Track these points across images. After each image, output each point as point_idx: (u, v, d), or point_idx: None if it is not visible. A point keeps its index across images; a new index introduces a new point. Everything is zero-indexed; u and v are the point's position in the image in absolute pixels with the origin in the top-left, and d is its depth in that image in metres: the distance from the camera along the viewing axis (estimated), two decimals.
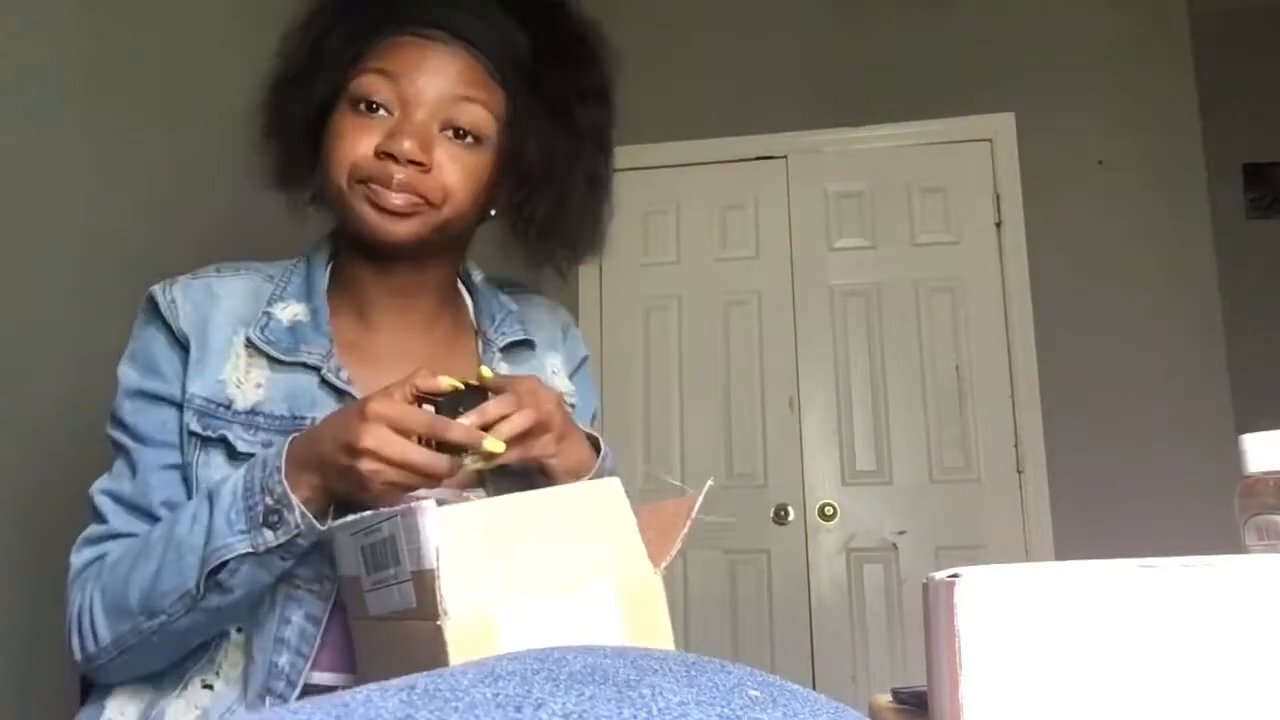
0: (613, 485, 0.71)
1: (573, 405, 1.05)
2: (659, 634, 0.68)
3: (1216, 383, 2.99)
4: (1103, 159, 3.15)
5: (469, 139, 0.90)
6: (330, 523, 0.81)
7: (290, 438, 0.83)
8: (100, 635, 0.84)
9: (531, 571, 0.65)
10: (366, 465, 0.76)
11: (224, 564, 0.79)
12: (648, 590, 0.69)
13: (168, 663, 0.87)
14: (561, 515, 0.68)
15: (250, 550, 0.79)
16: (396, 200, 0.88)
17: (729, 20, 3.39)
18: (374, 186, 0.88)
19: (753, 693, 0.39)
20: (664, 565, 0.70)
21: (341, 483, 0.79)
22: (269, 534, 0.79)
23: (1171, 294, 3.06)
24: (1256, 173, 3.90)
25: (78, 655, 0.86)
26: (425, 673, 0.38)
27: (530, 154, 0.93)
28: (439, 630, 0.61)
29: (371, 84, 0.89)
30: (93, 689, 0.92)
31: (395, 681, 0.37)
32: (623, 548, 0.69)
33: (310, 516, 0.78)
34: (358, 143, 0.88)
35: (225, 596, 0.81)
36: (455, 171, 0.90)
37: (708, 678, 0.40)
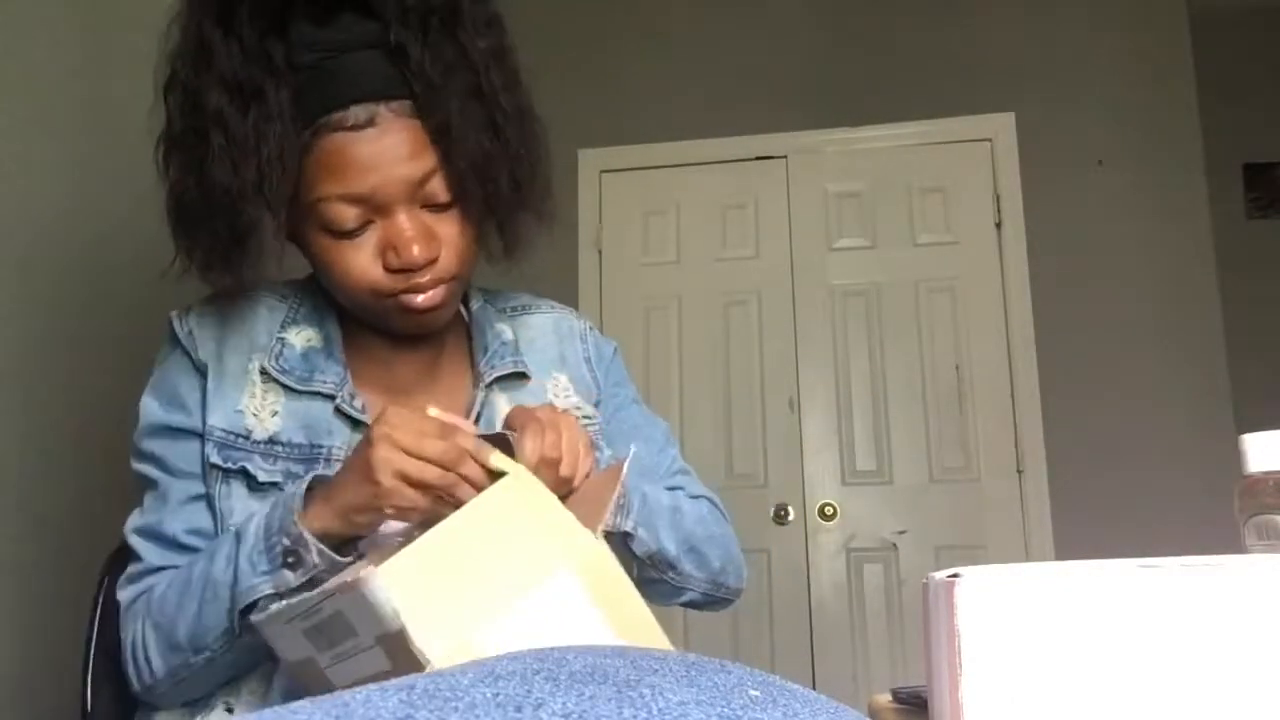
0: (522, 473, 0.73)
1: (588, 418, 1.02)
2: (624, 592, 0.70)
3: (1216, 383, 2.99)
4: (1103, 159, 3.15)
5: (444, 206, 0.88)
6: (350, 558, 0.80)
7: (311, 475, 0.83)
8: (155, 668, 0.86)
9: (489, 588, 0.65)
10: (385, 481, 0.76)
11: (254, 604, 0.80)
12: (597, 557, 0.70)
13: (221, 685, 0.89)
14: (489, 524, 0.69)
15: (273, 591, 0.79)
16: (433, 298, 0.88)
17: (730, 20, 3.38)
18: (403, 297, 0.88)
19: (753, 693, 0.39)
20: (600, 528, 0.71)
21: (363, 515, 0.79)
22: (289, 575, 0.79)
23: (1171, 294, 3.06)
24: (1256, 173, 3.90)
25: (135, 686, 0.88)
26: (425, 673, 0.38)
27: (467, 159, 0.87)
28: None
29: (340, 213, 0.85)
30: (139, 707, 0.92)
31: (394, 681, 0.37)
32: (557, 529, 0.70)
33: (330, 553, 0.79)
34: (361, 266, 0.87)
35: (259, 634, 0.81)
36: (454, 236, 0.89)
37: (708, 678, 0.40)
